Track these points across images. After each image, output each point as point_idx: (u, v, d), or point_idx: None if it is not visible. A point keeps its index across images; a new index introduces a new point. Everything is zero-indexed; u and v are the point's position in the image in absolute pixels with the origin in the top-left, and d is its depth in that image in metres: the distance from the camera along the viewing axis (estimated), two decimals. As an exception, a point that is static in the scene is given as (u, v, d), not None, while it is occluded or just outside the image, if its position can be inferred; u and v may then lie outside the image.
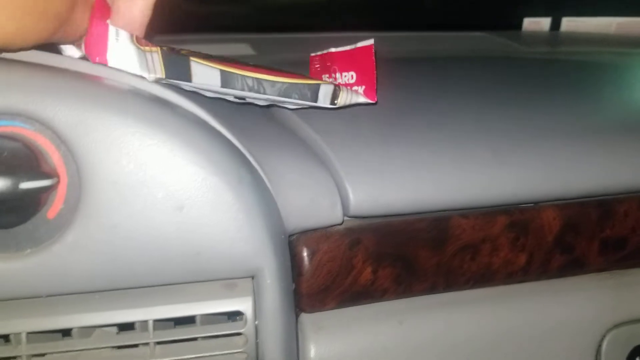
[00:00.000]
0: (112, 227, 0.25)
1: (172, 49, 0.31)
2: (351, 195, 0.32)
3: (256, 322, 0.26)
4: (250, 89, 0.31)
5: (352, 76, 0.35)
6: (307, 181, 0.31)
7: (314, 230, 0.33)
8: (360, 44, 0.34)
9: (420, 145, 0.34)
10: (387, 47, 0.59)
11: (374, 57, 0.33)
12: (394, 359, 0.34)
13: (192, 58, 0.29)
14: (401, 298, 0.35)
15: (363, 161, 0.33)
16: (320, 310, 0.33)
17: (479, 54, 0.55)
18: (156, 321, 0.26)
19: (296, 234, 0.32)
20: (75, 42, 0.29)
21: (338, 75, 0.36)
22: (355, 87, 0.35)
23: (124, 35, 0.29)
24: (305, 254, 0.32)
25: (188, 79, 0.29)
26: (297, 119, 0.35)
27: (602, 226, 0.37)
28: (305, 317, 0.33)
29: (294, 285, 0.31)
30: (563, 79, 0.48)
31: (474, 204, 0.35)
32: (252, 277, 0.27)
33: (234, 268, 0.26)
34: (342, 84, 0.36)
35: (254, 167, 0.29)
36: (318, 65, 0.38)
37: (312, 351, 0.32)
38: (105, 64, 0.28)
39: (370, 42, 0.33)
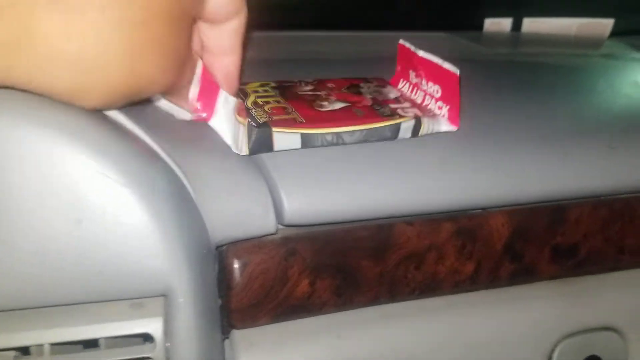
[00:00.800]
0: (1, 242, 0.22)
1: (256, 105, 0.33)
2: (285, 203, 0.30)
3: (167, 345, 0.24)
4: (330, 143, 0.32)
5: (437, 90, 0.35)
6: (236, 188, 0.29)
7: (246, 240, 0.30)
8: (446, 66, 0.34)
9: (361, 148, 0.33)
10: (342, 48, 0.57)
11: (458, 87, 0.33)
12: (332, 376, 0.32)
13: (274, 128, 0.30)
14: (341, 311, 0.33)
15: (299, 165, 0.31)
16: (253, 326, 0.31)
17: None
18: (55, 345, 0.23)
19: (226, 244, 0.30)
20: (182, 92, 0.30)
21: (424, 81, 0.36)
22: (439, 103, 0.35)
23: (231, 104, 0.31)
24: (235, 266, 0.30)
25: (270, 149, 0.31)
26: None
27: (552, 233, 0.35)
28: (236, 334, 0.31)
29: (220, 301, 0.29)
30: (519, 81, 0.47)
31: (419, 210, 0.33)
32: (164, 296, 0.24)
33: (142, 286, 0.24)
34: (427, 93, 0.36)
35: (175, 174, 0.27)
36: (406, 57, 0.38)
37: (243, 370, 0.30)
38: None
39: (456, 71, 0.33)
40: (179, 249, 0.24)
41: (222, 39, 0.30)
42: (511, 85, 0.45)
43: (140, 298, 0.24)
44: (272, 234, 0.30)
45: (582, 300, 0.37)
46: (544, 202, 0.35)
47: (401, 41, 0.38)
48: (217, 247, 0.30)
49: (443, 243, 0.33)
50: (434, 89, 0.35)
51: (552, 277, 0.36)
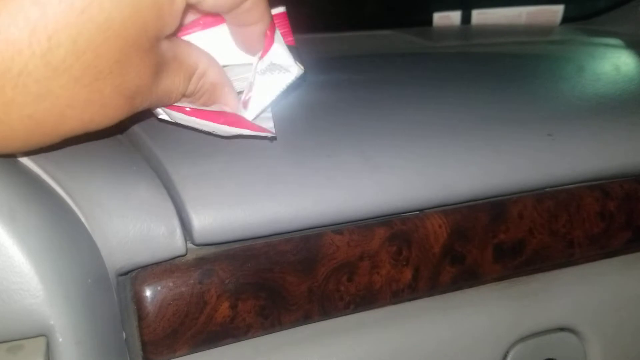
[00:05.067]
0: None
1: None
2: (194, 220, 0.27)
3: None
4: None
5: None
6: (134, 207, 0.26)
7: (156, 264, 0.28)
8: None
9: (278, 154, 0.30)
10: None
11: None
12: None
13: None
14: (270, 333, 0.30)
15: (208, 177, 0.28)
16: (173, 358, 0.29)
17: (374, 52, 0.51)
18: None
19: (134, 270, 0.28)
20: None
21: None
22: None
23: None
24: (146, 293, 0.27)
25: None
26: (137, 129, 0.30)
27: (494, 231, 0.33)
28: (154, 368, 0.29)
29: (124, 335, 0.27)
30: (458, 73, 0.45)
31: (347, 217, 0.30)
32: (44, 336, 0.22)
33: (17, 326, 0.21)
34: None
35: (55, 196, 0.24)
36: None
37: (161, 408, 0.27)
38: None
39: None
40: (51, 279, 0.21)
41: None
42: (450, 77, 0.43)
43: (20, 340, 0.22)
44: (183, 256, 0.28)
45: (533, 300, 0.34)
46: (482, 198, 0.33)
47: None
48: (121, 275, 0.27)
49: (376, 250, 0.31)
50: None
51: (499, 278, 0.34)
